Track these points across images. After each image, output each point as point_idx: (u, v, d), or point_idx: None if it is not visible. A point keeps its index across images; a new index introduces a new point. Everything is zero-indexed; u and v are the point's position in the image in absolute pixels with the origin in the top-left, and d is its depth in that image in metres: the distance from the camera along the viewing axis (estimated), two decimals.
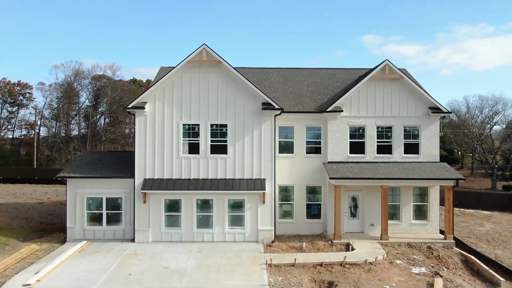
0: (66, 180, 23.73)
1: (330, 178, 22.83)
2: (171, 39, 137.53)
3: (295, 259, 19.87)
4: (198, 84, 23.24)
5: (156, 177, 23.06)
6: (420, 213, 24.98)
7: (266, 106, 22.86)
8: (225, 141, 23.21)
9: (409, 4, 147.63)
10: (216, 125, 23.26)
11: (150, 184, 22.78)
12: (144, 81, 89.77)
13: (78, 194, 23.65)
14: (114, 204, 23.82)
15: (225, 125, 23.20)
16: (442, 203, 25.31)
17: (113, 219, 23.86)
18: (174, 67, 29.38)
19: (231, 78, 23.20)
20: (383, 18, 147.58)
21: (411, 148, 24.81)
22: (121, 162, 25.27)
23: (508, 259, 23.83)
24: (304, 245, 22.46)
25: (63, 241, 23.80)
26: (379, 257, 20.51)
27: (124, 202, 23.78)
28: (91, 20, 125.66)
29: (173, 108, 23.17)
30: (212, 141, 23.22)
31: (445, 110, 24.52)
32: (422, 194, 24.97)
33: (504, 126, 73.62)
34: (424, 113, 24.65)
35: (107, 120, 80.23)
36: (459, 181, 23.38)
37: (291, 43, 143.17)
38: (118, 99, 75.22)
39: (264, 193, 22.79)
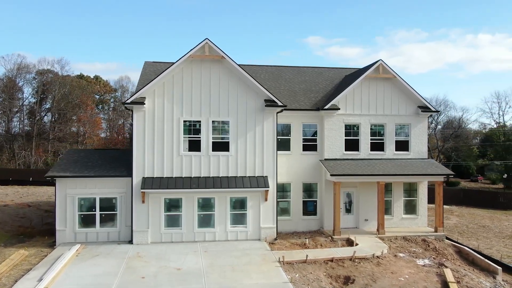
0: (55, 180, 22.13)
1: (331, 175, 23.16)
2: (109, 34, 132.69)
3: (307, 255, 19.95)
4: (199, 79, 22.61)
5: (155, 176, 22.16)
6: (410, 208, 26.04)
7: (269, 103, 22.73)
8: (227, 138, 22.78)
9: (351, 7, 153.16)
10: (218, 121, 22.77)
11: (150, 183, 21.85)
12: (92, 77, 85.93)
13: (69, 194, 22.17)
14: (108, 204, 22.59)
15: (227, 122, 22.78)
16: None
17: (107, 221, 22.63)
18: (160, 62, 28.61)
19: (233, 74, 22.81)
20: (327, 21, 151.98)
21: (402, 145, 25.79)
22: (111, 161, 24.03)
23: (486, 250, 25.48)
24: (307, 242, 22.62)
25: (52, 245, 22.23)
26: (384, 251, 21.14)
27: (119, 202, 22.63)
28: (29, 13, 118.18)
29: (174, 104, 22.38)
30: (213, 138, 22.70)
31: (433, 109, 25.74)
32: (412, 189, 26.04)
33: (440, 126, 78.48)
34: (413, 111, 25.71)
35: (51, 117, 75.80)
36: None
37: (238, 42, 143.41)
38: (66, 95, 71.32)
39: (266, 190, 22.67)
